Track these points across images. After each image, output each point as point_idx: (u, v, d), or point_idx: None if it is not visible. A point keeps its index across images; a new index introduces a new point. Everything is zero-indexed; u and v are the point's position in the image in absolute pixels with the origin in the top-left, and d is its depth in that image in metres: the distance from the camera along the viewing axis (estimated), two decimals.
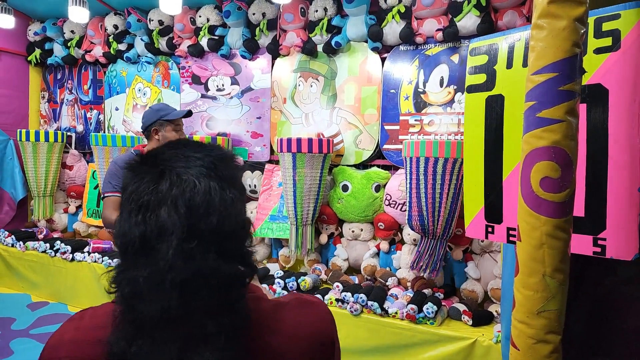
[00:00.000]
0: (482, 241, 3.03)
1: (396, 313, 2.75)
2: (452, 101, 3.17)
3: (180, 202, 0.61)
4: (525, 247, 1.11)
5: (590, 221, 1.64)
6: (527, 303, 1.09)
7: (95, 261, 3.75)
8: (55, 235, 4.40)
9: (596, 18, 1.53)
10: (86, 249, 3.89)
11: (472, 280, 3.04)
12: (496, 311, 2.80)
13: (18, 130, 4.27)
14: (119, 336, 0.59)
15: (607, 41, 1.55)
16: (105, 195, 2.33)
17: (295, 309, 0.74)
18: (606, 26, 1.55)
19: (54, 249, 3.94)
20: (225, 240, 0.63)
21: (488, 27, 2.96)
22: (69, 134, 4.61)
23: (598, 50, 1.56)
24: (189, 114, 2.56)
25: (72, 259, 3.84)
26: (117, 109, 4.47)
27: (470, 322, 2.68)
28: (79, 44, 4.45)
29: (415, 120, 3.27)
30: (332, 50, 3.46)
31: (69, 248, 3.88)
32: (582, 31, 1.08)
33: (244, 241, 0.69)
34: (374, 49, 3.36)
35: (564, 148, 1.07)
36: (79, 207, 4.51)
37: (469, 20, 3.01)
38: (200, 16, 3.84)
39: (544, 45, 1.09)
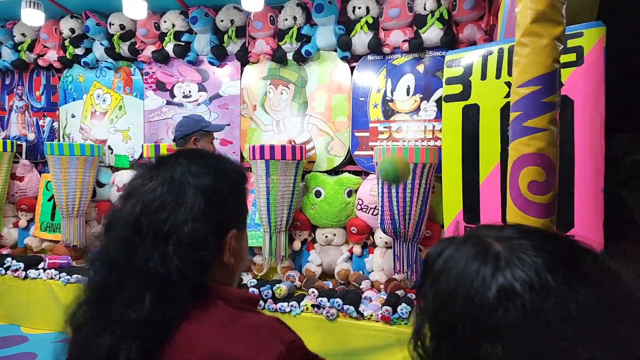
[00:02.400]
0: None
1: (371, 315, 2.82)
2: (418, 109, 3.31)
3: (142, 198, 0.67)
4: None
5: (561, 220, 1.79)
6: None
7: (51, 278, 3.54)
8: (5, 251, 4.10)
9: None
10: (41, 265, 3.66)
11: None
12: None
13: None
14: (76, 300, 0.68)
15: (572, 57, 1.71)
16: None
17: (233, 339, 0.64)
18: (571, 43, 1.71)
19: (4, 266, 3.67)
20: (174, 243, 0.65)
21: (450, 39, 3.13)
22: (19, 142, 4.34)
23: (564, 65, 1.72)
24: (222, 128, 2.70)
25: (26, 277, 3.60)
26: (73, 116, 4.27)
27: None
28: (30, 48, 4.22)
29: (384, 127, 3.39)
30: (302, 59, 3.51)
31: (21, 265, 3.63)
32: (560, 48, 1.20)
33: (199, 248, 0.66)
34: (343, 58, 3.45)
35: (547, 154, 1.19)
36: (30, 221, 4.25)
37: (432, 33, 3.16)
38: (165, 21, 3.76)
39: (528, 62, 1.20)
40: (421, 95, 3.30)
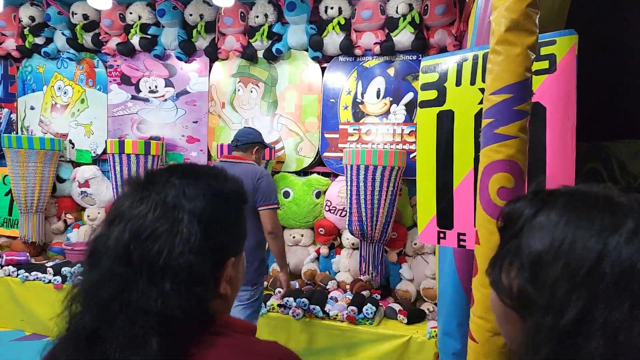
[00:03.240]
0: (415, 244, 3.23)
1: (337, 315, 2.83)
2: (387, 112, 3.34)
3: (131, 224, 0.60)
4: (484, 250, 1.23)
5: None
6: (485, 300, 1.21)
7: (9, 275, 3.39)
8: None
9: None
10: None
11: (406, 281, 3.22)
12: (428, 309, 2.99)
13: None
14: (62, 335, 0.60)
15: (545, 64, 1.75)
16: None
17: None
18: (544, 50, 1.75)
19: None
20: (170, 279, 0.58)
21: (422, 43, 3.17)
22: None
23: (537, 72, 1.76)
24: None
25: None
26: (32, 108, 4.07)
27: (405, 321, 2.84)
28: None
29: (354, 129, 3.40)
30: (272, 57, 3.48)
31: None
32: (533, 57, 1.23)
33: (197, 284, 0.60)
34: (315, 58, 3.44)
35: (517, 161, 1.21)
36: None
37: (404, 36, 3.19)
38: (131, 13, 3.64)
39: (501, 69, 1.22)
40: (391, 99, 3.33)
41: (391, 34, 3.23)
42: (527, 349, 0.49)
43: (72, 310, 0.59)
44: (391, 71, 3.34)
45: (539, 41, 1.69)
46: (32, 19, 3.84)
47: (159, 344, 0.55)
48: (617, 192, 0.51)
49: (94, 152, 3.92)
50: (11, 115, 4.16)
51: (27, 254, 3.63)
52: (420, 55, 3.23)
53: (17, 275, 3.37)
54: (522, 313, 0.52)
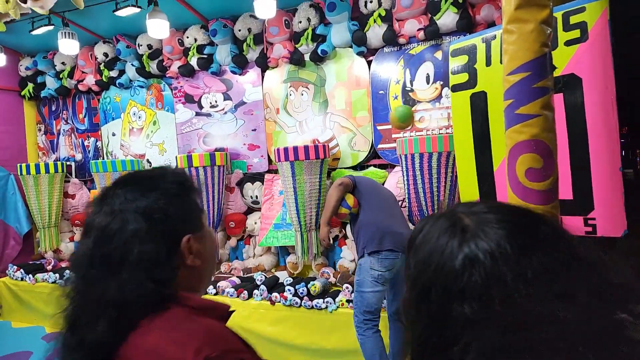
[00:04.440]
0: None
1: None
2: (439, 96, 3.27)
3: (93, 234, 0.74)
4: None
5: (579, 203, 1.74)
6: None
7: None
8: (64, 264, 4.46)
9: (563, 13, 1.63)
10: None
11: None
12: None
13: (18, 164, 4.35)
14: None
15: (576, 33, 1.66)
16: None
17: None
18: (573, 19, 1.65)
19: (65, 278, 3.99)
20: (127, 269, 0.70)
21: (467, 22, 3.06)
22: (68, 163, 4.69)
23: (568, 42, 1.66)
24: None
25: None
26: (114, 135, 4.55)
27: None
28: (70, 75, 4.53)
29: None
30: (319, 58, 3.56)
31: None
32: (549, 31, 1.18)
33: (153, 267, 0.72)
34: (360, 53, 3.46)
35: (543, 140, 1.17)
36: None
37: (447, 18, 3.11)
38: (187, 37, 3.93)
39: (515, 48, 1.19)
40: (442, 82, 3.26)
41: (434, 17, 3.16)
42: None
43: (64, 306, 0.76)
44: (439, 55, 3.27)
45: (567, 10, 1.61)
46: (106, 55, 4.29)
47: (104, 326, 0.68)
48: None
49: None
50: (97, 143, 4.68)
51: None
52: (468, 34, 3.12)
53: None
54: None
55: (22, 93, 4.79)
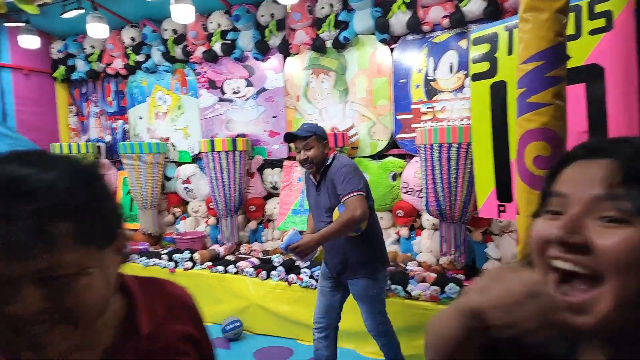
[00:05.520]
0: (501, 222, 3.09)
1: (419, 295, 2.84)
2: (462, 87, 3.21)
3: None
4: (523, 219, 1.21)
5: None
6: None
7: (132, 261, 3.94)
8: None
9: (589, 1, 1.58)
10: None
11: (493, 261, 3.11)
12: None
13: (51, 144, 4.52)
14: None
15: (601, 22, 1.60)
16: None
17: None
18: (598, 8, 1.60)
19: None
20: None
21: (494, 9, 2.99)
22: (98, 144, 4.84)
23: (593, 32, 1.61)
24: None
25: None
26: (140, 118, 4.67)
27: None
28: (99, 58, 4.66)
29: (427, 107, 3.33)
30: (341, 45, 3.54)
31: None
32: (564, 21, 1.16)
33: None
34: (382, 41, 3.43)
35: (553, 128, 1.16)
36: None
37: (474, 5, 3.04)
38: (211, 22, 3.97)
39: (530, 37, 1.17)
40: (465, 72, 3.19)
41: (460, 4, 3.09)
42: None
43: None
44: (463, 43, 3.20)
45: (568, 5, 1.56)
46: (133, 39, 4.38)
47: None
48: None
49: (192, 152, 4.37)
50: (124, 126, 4.81)
51: (147, 243, 4.19)
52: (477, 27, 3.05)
53: (140, 262, 3.92)
54: None
55: (54, 75, 4.95)
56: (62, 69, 4.89)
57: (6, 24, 4.36)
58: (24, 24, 4.21)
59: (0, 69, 4.53)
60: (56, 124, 5.12)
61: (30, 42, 4.28)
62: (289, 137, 2.23)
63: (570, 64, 1.45)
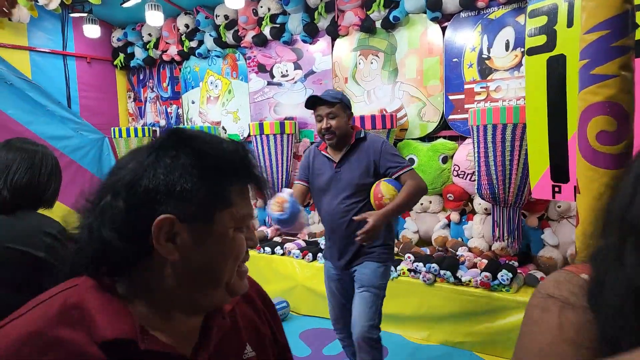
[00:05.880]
0: (559, 207, 2.94)
1: (470, 281, 2.78)
2: (519, 65, 3.06)
3: None
4: (585, 199, 1.14)
5: None
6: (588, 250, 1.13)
7: None
8: None
9: None
10: None
11: (550, 247, 2.97)
12: None
13: (111, 128, 4.78)
14: None
15: None
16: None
17: None
18: None
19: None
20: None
21: None
22: (154, 128, 5.06)
23: None
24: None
25: None
26: (193, 102, 4.83)
27: None
28: (156, 46, 4.85)
29: (481, 87, 3.20)
30: (390, 25, 3.47)
31: None
32: None
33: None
34: (434, 19, 3.31)
35: (619, 102, 1.08)
36: None
37: None
38: (261, 7, 4.00)
39: (594, 5, 1.09)
40: (522, 49, 3.03)
41: None
42: None
43: None
44: (521, 19, 3.04)
45: None
46: (187, 26, 4.51)
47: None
48: None
49: (242, 135, 4.48)
50: (178, 110, 5.00)
51: None
52: None
53: None
54: None
55: (115, 63, 5.22)
56: (121, 56, 5.14)
57: (72, 15, 4.62)
58: (86, 14, 4.45)
59: (66, 57, 4.83)
60: (116, 109, 5.41)
61: (92, 31, 4.53)
62: (312, 103, 2.02)
63: None
